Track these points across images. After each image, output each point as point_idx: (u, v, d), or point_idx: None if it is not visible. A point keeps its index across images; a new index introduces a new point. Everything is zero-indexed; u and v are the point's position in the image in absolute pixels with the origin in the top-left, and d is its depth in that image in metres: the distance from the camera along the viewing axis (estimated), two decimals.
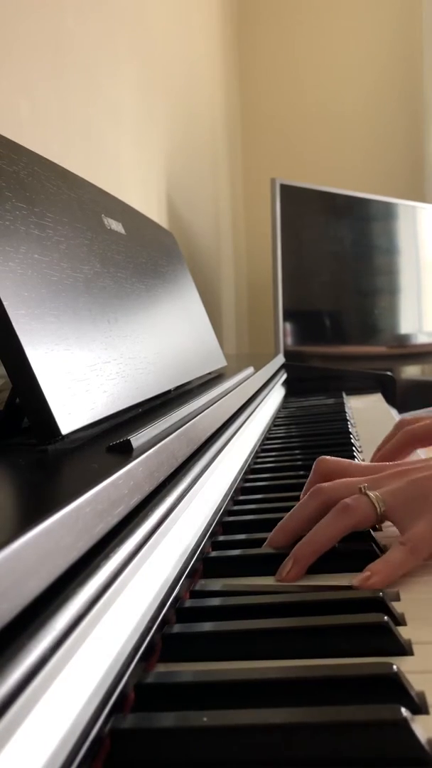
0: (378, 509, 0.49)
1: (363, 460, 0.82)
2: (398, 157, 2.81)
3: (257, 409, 1.01)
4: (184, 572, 0.45)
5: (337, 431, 0.98)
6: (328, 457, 0.59)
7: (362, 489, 0.50)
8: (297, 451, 0.88)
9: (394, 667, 0.32)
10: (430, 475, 0.50)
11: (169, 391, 0.72)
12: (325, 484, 0.53)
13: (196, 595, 0.45)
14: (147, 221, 0.94)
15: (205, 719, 0.29)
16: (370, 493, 0.50)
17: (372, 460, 0.70)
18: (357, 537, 0.51)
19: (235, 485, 0.70)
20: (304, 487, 0.59)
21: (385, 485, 0.51)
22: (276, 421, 1.15)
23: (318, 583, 0.46)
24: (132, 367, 0.60)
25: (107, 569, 0.32)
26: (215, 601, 0.43)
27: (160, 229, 1.02)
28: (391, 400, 1.48)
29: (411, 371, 2.53)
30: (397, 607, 0.42)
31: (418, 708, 0.31)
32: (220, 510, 0.60)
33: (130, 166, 1.45)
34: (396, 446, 0.68)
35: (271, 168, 2.53)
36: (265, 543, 0.52)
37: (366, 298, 2.38)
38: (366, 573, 0.45)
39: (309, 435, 1.00)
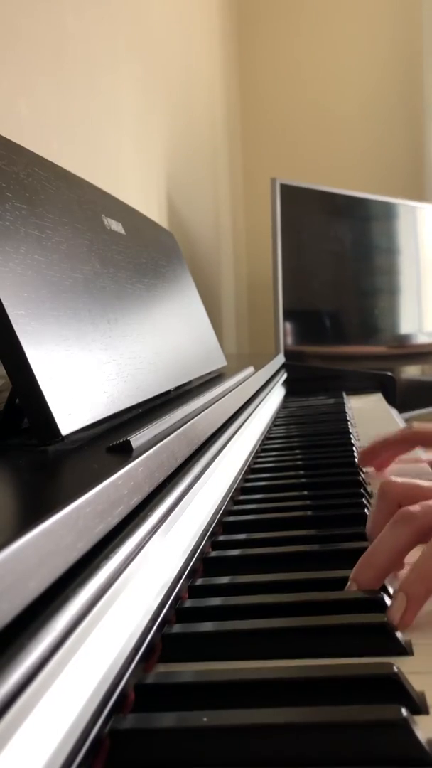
0: None
1: None
2: (398, 157, 2.80)
3: (257, 409, 1.01)
4: (184, 572, 0.45)
5: (337, 431, 0.98)
6: (395, 480, 0.50)
7: None
8: (297, 451, 0.88)
9: (395, 667, 0.32)
10: None
11: (169, 391, 0.72)
12: (414, 508, 0.45)
13: (196, 594, 0.45)
14: (147, 221, 0.94)
15: (205, 719, 0.29)
16: None
17: (369, 449, 0.70)
18: (357, 537, 0.51)
19: (235, 485, 0.70)
20: (371, 517, 0.50)
21: None
22: (276, 421, 1.15)
23: (318, 576, 0.46)
24: (132, 368, 0.60)
25: (107, 569, 0.32)
26: (215, 601, 0.43)
27: (160, 229, 1.02)
28: (391, 400, 1.48)
29: (411, 371, 2.53)
30: None
31: (418, 708, 0.31)
32: (220, 510, 0.60)
33: (130, 166, 1.45)
34: (397, 438, 0.67)
35: (271, 168, 2.53)
36: (349, 583, 0.43)
37: (366, 298, 2.38)
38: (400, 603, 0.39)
39: (309, 435, 1.00)
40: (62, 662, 0.26)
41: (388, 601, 0.41)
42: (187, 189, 1.94)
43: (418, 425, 0.69)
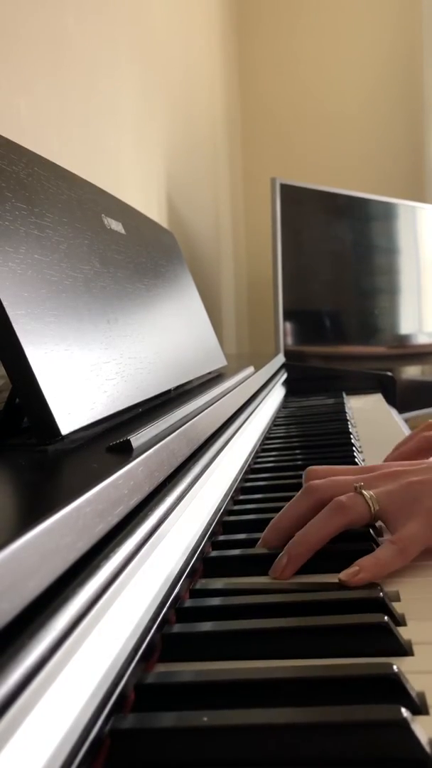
0: (372, 508, 0.49)
1: (363, 460, 0.82)
2: (398, 157, 2.80)
3: (257, 409, 1.01)
4: (184, 572, 0.45)
5: (337, 431, 0.98)
6: (317, 467, 0.58)
7: (357, 488, 0.50)
8: (297, 451, 0.88)
9: (394, 667, 0.32)
10: (424, 479, 0.50)
11: (169, 391, 0.72)
12: (319, 482, 0.52)
13: (196, 594, 0.45)
14: (147, 221, 0.94)
15: (205, 719, 0.29)
16: (365, 492, 0.50)
17: (386, 460, 0.69)
18: (357, 537, 0.51)
19: (235, 485, 0.70)
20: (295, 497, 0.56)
21: (378, 485, 0.51)
22: (276, 421, 1.15)
23: (317, 581, 0.46)
24: (132, 367, 0.60)
25: (107, 569, 0.32)
26: (215, 601, 0.43)
27: (160, 229, 1.02)
28: (391, 400, 1.48)
29: (411, 371, 2.53)
30: (397, 607, 0.42)
31: (418, 708, 0.31)
32: (220, 510, 0.60)
33: (130, 166, 1.45)
34: (410, 450, 0.67)
35: (271, 168, 2.53)
36: (258, 542, 0.52)
37: (366, 298, 2.38)
38: (354, 568, 0.45)
39: (309, 435, 1.00)
40: (62, 662, 0.26)
41: (388, 602, 0.41)
42: (187, 189, 1.94)
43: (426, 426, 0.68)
